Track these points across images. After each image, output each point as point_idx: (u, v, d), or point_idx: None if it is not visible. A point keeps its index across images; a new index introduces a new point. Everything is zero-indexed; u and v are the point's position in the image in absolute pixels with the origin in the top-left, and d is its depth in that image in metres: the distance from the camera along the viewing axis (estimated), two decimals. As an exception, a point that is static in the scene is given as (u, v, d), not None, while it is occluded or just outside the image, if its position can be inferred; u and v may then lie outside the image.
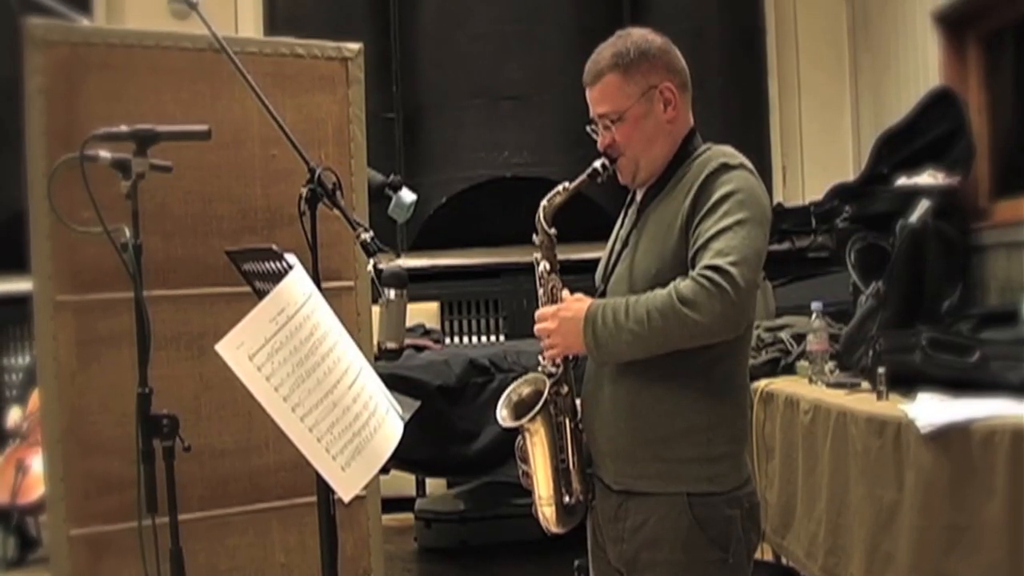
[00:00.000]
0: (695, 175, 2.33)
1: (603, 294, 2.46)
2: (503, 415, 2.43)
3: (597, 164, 2.43)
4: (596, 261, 2.63)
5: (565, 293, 2.42)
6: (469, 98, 6.67)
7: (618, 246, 2.50)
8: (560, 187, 2.43)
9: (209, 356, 2.03)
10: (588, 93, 2.46)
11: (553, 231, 2.44)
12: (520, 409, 2.42)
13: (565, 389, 2.43)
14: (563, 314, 2.35)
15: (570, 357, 2.42)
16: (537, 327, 2.40)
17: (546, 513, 2.44)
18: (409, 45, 6.94)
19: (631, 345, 2.24)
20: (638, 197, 2.52)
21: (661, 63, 2.42)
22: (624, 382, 2.35)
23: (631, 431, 2.35)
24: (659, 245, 2.33)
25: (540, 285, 2.45)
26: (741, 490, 2.36)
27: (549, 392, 2.40)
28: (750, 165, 2.36)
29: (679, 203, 2.32)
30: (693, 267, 2.22)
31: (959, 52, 5.35)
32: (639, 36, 2.44)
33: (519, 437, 2.46)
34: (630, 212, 2.55)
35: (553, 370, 2.41)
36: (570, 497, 2.43)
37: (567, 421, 2.43)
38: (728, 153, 2.38)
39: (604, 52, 2.44)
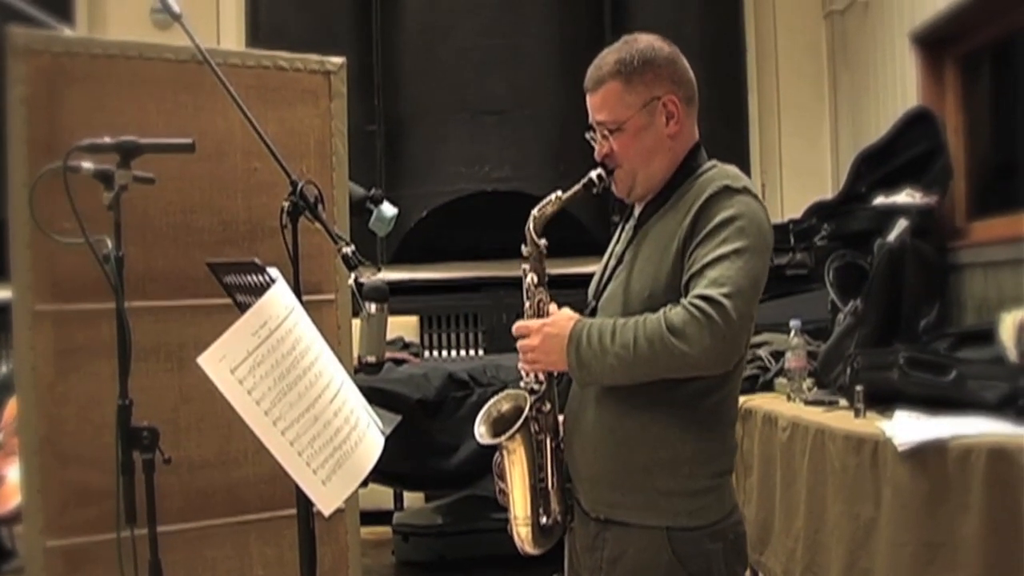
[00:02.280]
0: (696, 195, 2.22)
1: (594, 311, 2.37)
2: (481, 431, 2.36)
3: (593, 175, 2.32)
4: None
5: (552, 307, 2.34)
6: (451, 112, 6.68)
7: (612, 262, 2.40)
8: (552, 196, 2.34)
9: (189, 368, 2.03)
10: (588, 99, 2.35)
11: (543, 242, 2.34)
12: (499, 425, 2.36)
13: (548, 406, 2.35)
14: (547, 330, 2.26)
15: (554, 373, 2.34)
16: (520, 343, 2.30)
17: (521, 533, 2.37)
18: (391, 58, 6.95)
19: (615, 370, 2.16)
20: (636, 211, 2.43)
21: (666, 73, 2.31)
22: (610, 405, 2.27)
23: (612, 457, 2.27)
24: (654, 266, 2.24)
25: (527, 298, 2.37)
26: (725, 522, 2.27)
27: (531, 409, 2.32)
28: (755, 189, 2.26)
29: (678, 223, 2.22)
30: (686, 293, 2.13)
31: (937, 73, 5.40)
32: (645, 43, 2.33)
33: (497, 454, 2.38)
34: (627, 227, 2.45)
35: (536, 387, 2.33)
36: (547, 517, 2.35)
37: (548, 440, 2.35)
38: (732, 175, 2.27)
39: (608, 57, 2.33)
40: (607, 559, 2.29)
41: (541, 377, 2.34)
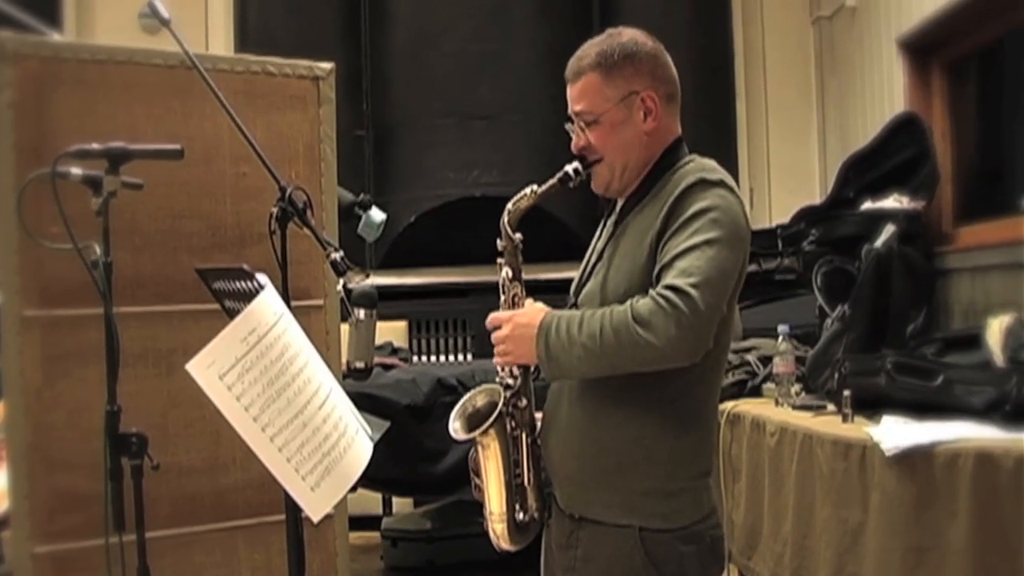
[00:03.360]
0: (672, 188, 2.21)
1: (574, 308, 2.35)
2: (455, 427, 2.34)
3: (569, 168, 2.31)
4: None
5: (528, 301, 2.33)
6: (440, 117, 6.67)
7: (593, 258, 2.40)
8: (528, 190, 2.32)
9: (177, 373, 2.03)
10: (568, 89, 2.35)
11: (518, 236, 2.34)
12: (474, 420, 2.34)
13: (523, 402, 2.33)
14: (518, 319, 2.25)
15: (529, 368, 2.32)
16: (493, 335, 2.30)
17: (497, 530, 2.35)
18: (380, 63, 6.94)
19: (582, 360, 2.14)
20: (618, 207, 2.41)
21: (647, 69, 2.30)
22: (585, 403, 2.26)
23: (586, 455, 2.26)
24: (630, 262, 2.23)
25: (502, 292, 2.35)
26: (701, 524, 2.25)
27: (505, 404, 2.31)
28: (731, 182, 2.25)
29: (654, 217, 2.21)
30: (657, 284, 2.11)
31: (924, 79, 5.41)
32: (628, 37, 2.32)
33: (472, 450, 2.38)
34: (608, 223, 2.44)
35: (511, 381, 2.32)
36: (524, 514, 2.33)
37: (524, 435, 2.33)
38: (709, 168, 2.27)
39: (590, 49, 2.32)
40: (580, 558, 2.28)
41: (516, 372, 2.32)
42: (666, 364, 2.11)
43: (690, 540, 2.23)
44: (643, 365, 2.12)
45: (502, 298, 2.37)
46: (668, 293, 2.05)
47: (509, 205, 2.35)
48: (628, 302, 2.12)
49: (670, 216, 2.18)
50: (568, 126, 2.38)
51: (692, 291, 2.04)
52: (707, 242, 2.11)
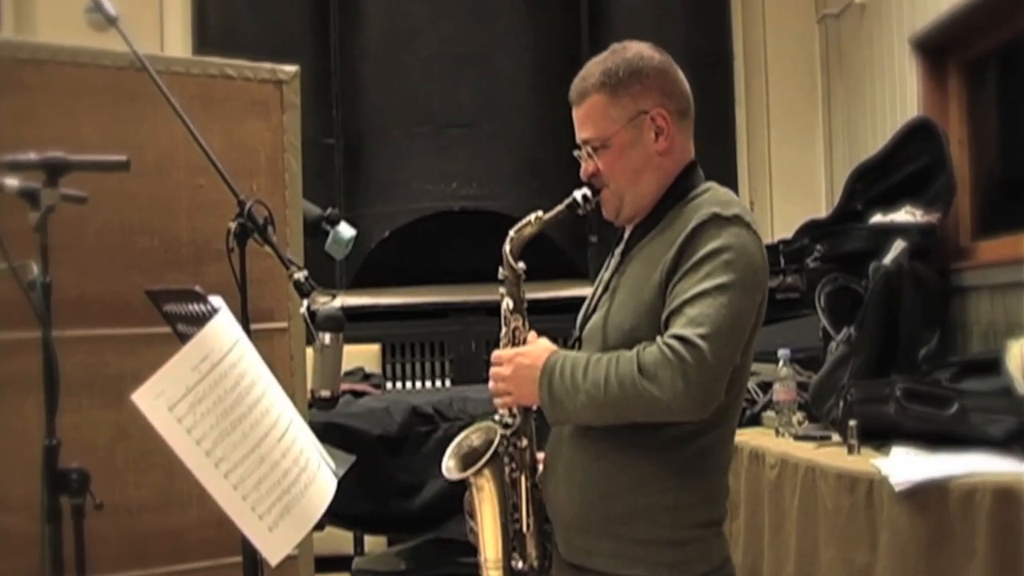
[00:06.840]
0: (684, 224, 2.21)
1: (579, 342, 2.36)
2: (449, 465, 2.35)
3: (578, 194, 2.32)
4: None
5: (531, 335, 2.34)
6: (415, 124, 6.66)
7: (599, 290, 2.40)
8: (532, 216, 2.33)
9: (127, 402, 2.01)
10: (573, 113, 2.36)
11: (521, 266, 2.34)
12: (470, 459, 2.34)
13: (524, 442, 2.33)
14: (520, 360, 2.26)
15: (532, 408, 2.33)
16: (492, 371, 2.31)
17: None
18: (351, 66, 6.94)
19: (586, 408, 2.15)
20: (626, 236, 2.42)
21: (655, 85, 2.31)
22: (586, 445, 2.26)
23: (585, 502, 2.26)
24: (636, 298, 2.23)
25: (503, 324, 2.36)
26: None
27: (502, 443, 2.32)
28: (749, 216, 2.23)
29: (663, 252, 2.20)
30: (665, 331, 2.11)
31: (939, 81, 5.42)
32: (634, 53, 2.33)
33: (467, 491, 2.38)
34: (616, 253, 2.45)
35: (509, 420, 2.33)
36: (523, 562, 2.33)
37: (523, 478, 2.34)
38: (724, 201, 2.25)
39: (593, 68, 2.33)
40: None
41: (515, 410, 2.33)
42: (673, 419, 2.13)
43: None
44: (649, 417, 2.14)
45: (503, 331, 2.37)
46: (675, 344, 2.06)
47: (512, 232, 2.35)
48: (635, 349, 2.12)
49: (681, 255, 2.18)
50: (576, 153, 2.38)
51: (701, 342, 2.05)
52: (718, 288, 2.11)
